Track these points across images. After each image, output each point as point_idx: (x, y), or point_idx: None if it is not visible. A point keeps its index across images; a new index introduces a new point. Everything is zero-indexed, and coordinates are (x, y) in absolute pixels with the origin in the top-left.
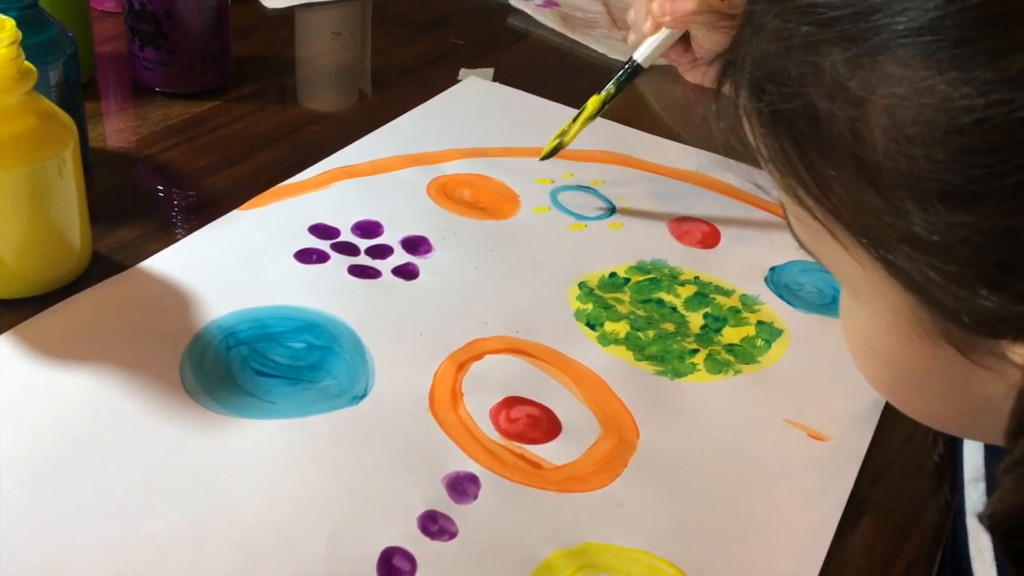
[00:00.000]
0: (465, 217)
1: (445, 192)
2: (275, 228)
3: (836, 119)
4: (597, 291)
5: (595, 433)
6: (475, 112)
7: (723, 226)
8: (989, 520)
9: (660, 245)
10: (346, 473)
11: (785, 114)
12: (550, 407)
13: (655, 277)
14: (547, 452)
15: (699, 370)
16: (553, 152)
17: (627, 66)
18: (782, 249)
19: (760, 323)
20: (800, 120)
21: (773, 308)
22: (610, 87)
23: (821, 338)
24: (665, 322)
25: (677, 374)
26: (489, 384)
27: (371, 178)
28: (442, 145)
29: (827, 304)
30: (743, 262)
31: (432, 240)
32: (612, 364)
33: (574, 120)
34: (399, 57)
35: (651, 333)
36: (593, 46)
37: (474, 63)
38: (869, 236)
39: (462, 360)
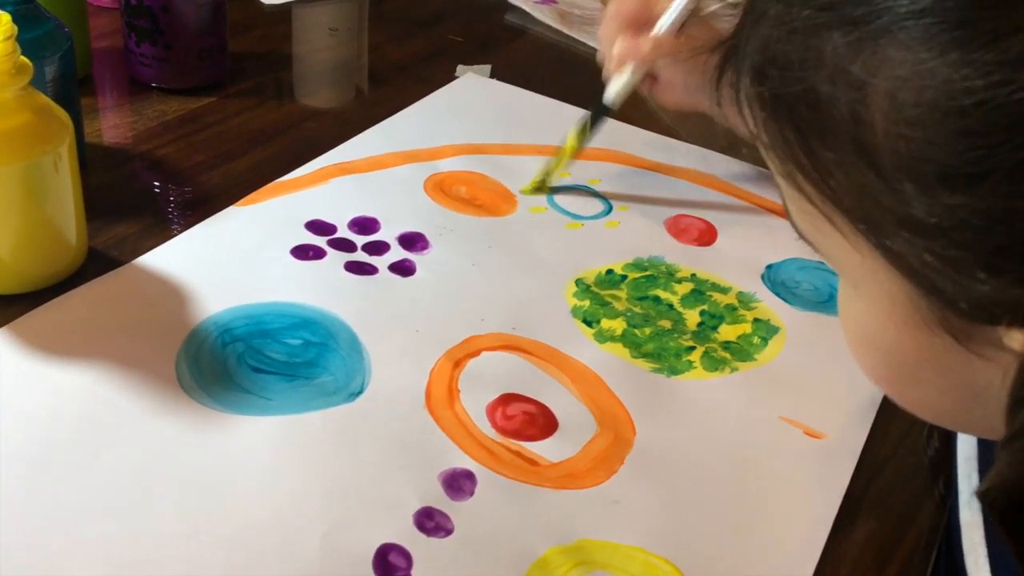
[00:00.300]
0: (462, 214)
1: (442, 189)
2: (271, 224)
3: (837, 102)
4: (594, 288)
5: (591, 430)
6: (472, 109)
7: (720, 223)
8: (985, 496)
9: (657, 242)
10: (342, 470)
11: (786, 98)
12: (546, 404)
13: (652, 274)
14: (543, 449)
15: (695, 367)
16: (537, 190)
17: (595, 107)
18: (779, 247)
19: (756, 320)
20: (801, 104)
21: (769, 306)
22: (582, 128)
23: (817, 336)
24: (662, 319)
25: (673, 371)
26: (485, 381)
27: (368, 174)
28: (439, 142)
29: (823, 302)
30: (740, 259)
31: (429, 237)
32: (608, 361)
33: (555, 157)
34: (396, 54)
35: (647, 330)
36: (590, 43)
37: (471, 60)
38: (868, 222)
39: (459, 357)
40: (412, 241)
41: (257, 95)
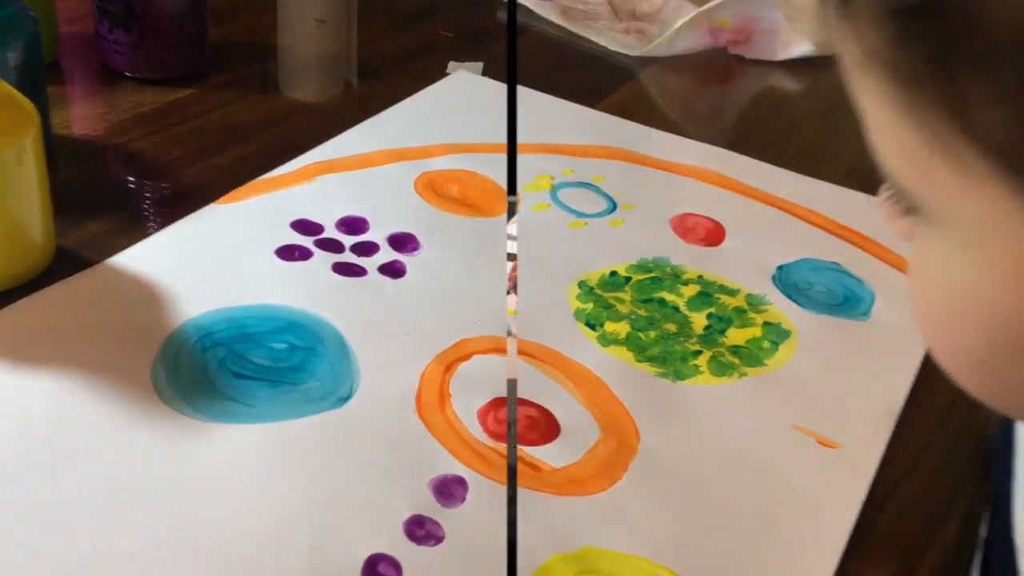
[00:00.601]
0: (453, 214)
1: (433, 188)
2: (255, 223)
3: (1003, 13)
4: (597, 290)
5: (594, 435)
6: (464, 106)
7: (728, 223)
8: None
9: (662, 243)
10: (329, 478)
11: (929, 11)
12: (549, 408)
13: (657, 276)
14: (545, 454)
15: (702, 372)
16: None
17: None
18: (790, 246)
19: (767, 324)
20: (951, 18)
21: (780, 308)
22: None
23: (831, 340)
24: (667, 322)
25: (679, 376)
26: (478, 385)
27: (356, 172)
28: (430, 140)
29: (838, 304)
30: (749, 260)
31: (419, 237)
32: (612, 365)
33: None
34: (386, 48)
35: (652, 334)
36: (595, 39)
37: (464, 56)
38: (1020, 157)
39: (449, 360)
40: (402, 242)
41: (240, 87)
